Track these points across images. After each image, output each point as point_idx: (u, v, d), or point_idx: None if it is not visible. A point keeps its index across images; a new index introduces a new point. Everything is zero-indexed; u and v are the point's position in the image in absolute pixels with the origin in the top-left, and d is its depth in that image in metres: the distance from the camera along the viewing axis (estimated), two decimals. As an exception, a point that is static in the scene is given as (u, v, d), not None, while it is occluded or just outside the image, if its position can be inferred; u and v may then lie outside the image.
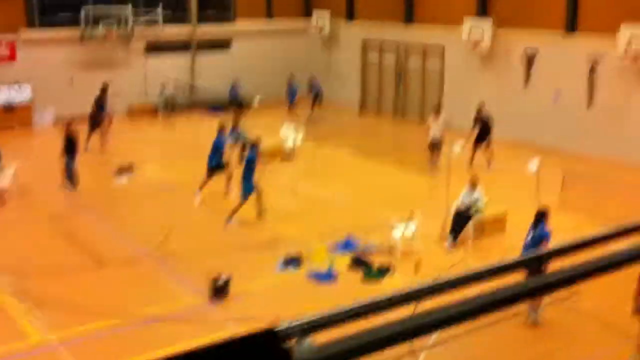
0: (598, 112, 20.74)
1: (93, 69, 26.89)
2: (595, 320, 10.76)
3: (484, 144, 19.44)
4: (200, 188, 16.89)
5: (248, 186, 15.20)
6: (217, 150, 16.93)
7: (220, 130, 17.27)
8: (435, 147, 19.00)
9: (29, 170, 19.14)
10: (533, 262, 3.56)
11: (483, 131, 19.41)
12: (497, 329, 10.12)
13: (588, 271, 3.23)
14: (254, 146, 15.78)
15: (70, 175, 17.32)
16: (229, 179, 17.13)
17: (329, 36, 30.05)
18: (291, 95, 25.72)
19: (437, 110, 19.65)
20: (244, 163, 15.80)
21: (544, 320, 11.00)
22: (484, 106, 19.84)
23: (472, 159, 19.53)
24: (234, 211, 15.21)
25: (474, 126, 19.67)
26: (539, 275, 3.10)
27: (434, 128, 19.12)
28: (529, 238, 10.94)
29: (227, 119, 20.86)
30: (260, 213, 15.55)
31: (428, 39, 26.16)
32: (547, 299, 11.03)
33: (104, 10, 26.43)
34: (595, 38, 20.67)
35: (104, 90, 22.60)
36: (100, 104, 22.05)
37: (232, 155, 19.65)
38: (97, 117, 21.79)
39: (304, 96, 27.01)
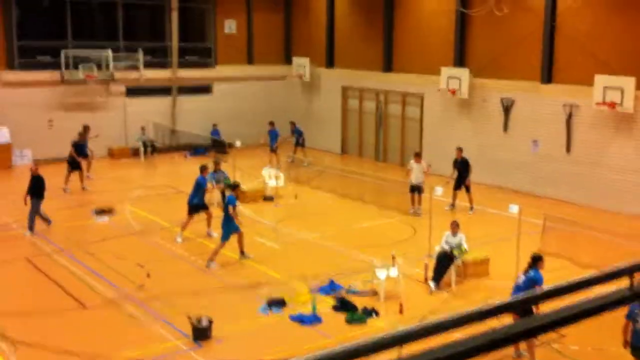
0: (575, 159, 21.13)
1: (72, 111, 26.88)
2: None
3: (463, 188, 19.73)
4: (182, 228, 16.84)
5: (229, 227, 15.17)
6: (198, 189, 16.98)
7: (202, 170, 17.33)
8: (416, 190, 19.23)
9: (6, 211, 18.94)
10: (522, 305, 3.56)
11: (461, 175, 19.76)
12: None
13: (577, 314, 3.27)
14: (234, 188, 15.88)
15: (32, 218, 17.16)
16: (209, 219, 17.11)
17: (310, 82, 30.44)
18: (272, 140, 25.88)
19: (418, 154, 19.97)
20: (224, 205, 15.80)
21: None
22: (462, 151, 20.16)
23: (453, 202, 19.87)
24: (215, 252, 15.13)
25: (453, 170, 20.02)
26: (528, 318, 3.13)
27: (415, 172, 19.36)
28: (521, 281, 10.98)
29: (209, 160, 20.89)
30: (243, 254, 15.49)
31: (407, 87, 26.61)
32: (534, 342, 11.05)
33: (83, 53, 26.54)
34: (571, 88, 21.17)
35: (82, 133, 22.58)
36: (78, 146, 21.98)
37: (213, 196, 19.67)
38: (76, 159, 21.69)
39: (286, 140, 27.22)
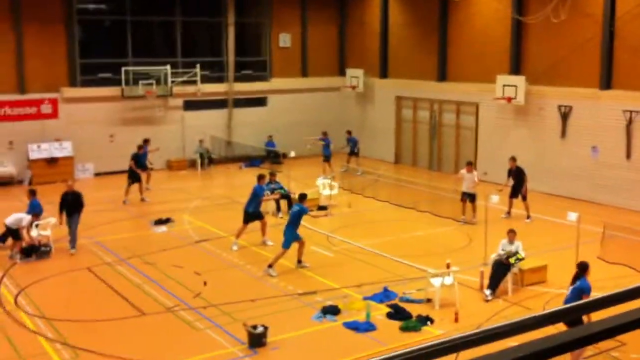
0: (636, 165, 20.61)
1: (132, 125, 27.59)
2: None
3: (519, 196, 19.47)
4: (237, 236, 17.10)
5: (292, 235, 15.34)
6: (255, 197, 17.27)
7: (260, 179, 17.66)
8: (468, 198, 19.05)
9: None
10: (572, 314, 3.52)
11: (517, 183, 19.52)
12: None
13: (631, 322, 3.21)
14: (303, 198, 15.97)
15: (72, 236, 16.91)
16: (264, 227, 17.35)
17: (363, 93, 30.53)
18: (325, 149, 26.07)
19: (470, 163, 19.80)
20: (289, 214, 15.94)
21: (588, 372, 10.75)
22: (515, 160, 19.89)
23: (509, 210, 19.64)
24: (276, 259, 15.31)
25: (507, 179, 19.81)
26: (579, 327, 3.10)
27: (467, 182, 19.19)
28: (569, 292, 10.89)
29: (264, 171, 21.20)
30: (300, 262, 15.62)
31: (462, 96, 26.43)
32: (591, 350, 10.82)
33: (143, 70, 27.26)
34: (631, 94, 20.70)
35: (142, 146, 23.14)
36: (138, 158, 22.53)
37: (269, 205, 19.92)
38: (135, 171, 22.26)
39: (342, 149, 27.42)
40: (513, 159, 19.93)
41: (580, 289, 10.59)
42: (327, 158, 26.02)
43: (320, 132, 27.09)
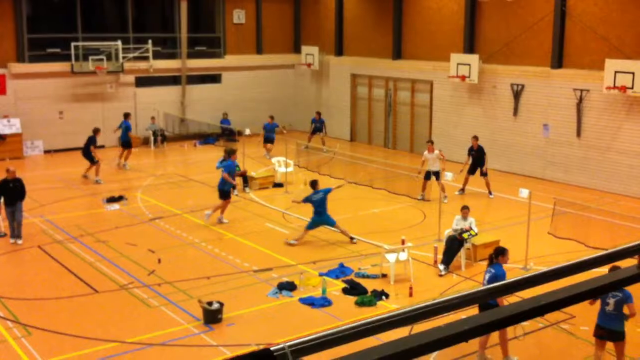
0: (586, 143, 21.05)
1: (83, 102, 27.02)
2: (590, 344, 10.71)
3: (478, 174, 19.63)
4: (216, 210, 17.26)
5: (326, 218, 15.70)
6: (229, 174, 17.27)
7: (231, 154, 17.80)
8: (434, 176, 18.91)
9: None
10: (518, 288, 3.53)
11: (477, 161, 19.70)
12: (492, 352, 10.10)
13: (585, 293, 3.28)
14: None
15: (17, 227, 15.77)
16: (226, 206, 17.28)
17: (319, 71, 30.43)
18: (269, 132, 25.59)
19: (431, 142, 19.82)
20: (315, 201, 15.94)
21: (538, 343, 10.98)
22: (477, 139, 20.01)
23: (463, 187, 19.88)
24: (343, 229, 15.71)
25: (468, 157, 19.98)
26: (530, 299, 3.14)
27: (430, 162, 19.17)
28: (486, 280, 10.07)
29: (222, 148, 21.07)
30: (350, 237, 15.78)
31: (416, 74, 26.55)
32: (541, 322, 11.06)
33: (93, 45, 26.64)
34: (582, 73, 21.07)
35: (97, 130, 22.58)
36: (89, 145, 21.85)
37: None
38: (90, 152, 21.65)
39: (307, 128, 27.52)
40: (475, 137, 20.04)
41: (494, 276, 9.76)
42: (268, 141, 25.54)
43: (270, 114, 26.72)
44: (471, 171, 19.88)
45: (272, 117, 25.92)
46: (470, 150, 19.95)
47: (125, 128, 23.48)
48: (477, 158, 19.79)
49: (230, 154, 17.85)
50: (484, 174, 19.66)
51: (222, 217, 17.30)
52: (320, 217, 15.73)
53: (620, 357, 9.39)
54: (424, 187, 19.41)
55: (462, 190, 19.96)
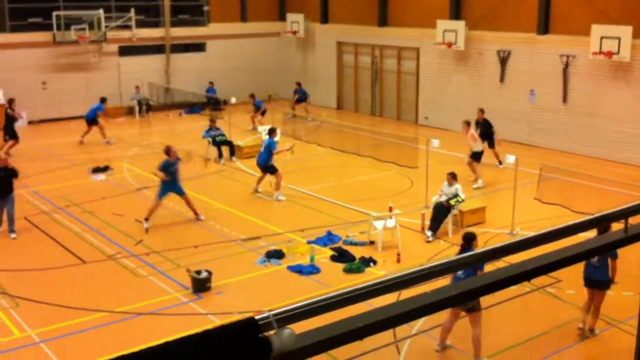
0: (572, 109, 21.09)
1: (66, 72, 26.70)
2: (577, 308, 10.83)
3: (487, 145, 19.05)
4: (258, 182, 17.26)
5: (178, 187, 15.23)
6: (267, 150, 16.96)
7: (271, 132, 17.42)
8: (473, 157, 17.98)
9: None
10: (507, 252, 3.52)
11: (485, 134, 18.98)
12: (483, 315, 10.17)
13: (572, 257, 3.28)
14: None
15: (10, 219, 14.33)
16: (279, 180, 16.98)
17: (304, 38, 30.18)
18: (257, 107, 25.33)
19: (466, 122, 18.24)
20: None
21: (525, 307, 11.10)
22: (483, 112, 19.55)
23: (499, 160, 19.15)
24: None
25: (475, 130, 19.32)
26: (516, 264, 3.13)
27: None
28: (461, 273, 8.32)
29: (207, 117, 20.95)
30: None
31: (403, 42, 26.40)
32: (528, 286, 11.17)
33: (75, 14, 26.25)
34: (568, 39, 21.03)
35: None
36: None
37: (210, 152, 19.78)
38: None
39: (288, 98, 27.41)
40: (481, 110, 19.45)
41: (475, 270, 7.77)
42: (257, 112, 25.29)
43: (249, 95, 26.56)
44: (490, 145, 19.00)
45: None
46: (476, 123, 19.20)
47: (97, 108, 22.78)
48: (485, 131, 19.06)
49: (270, 132, 17.40)
50: (491, 147, 19.13)
51: (278, 194, 16.87)
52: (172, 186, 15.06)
53: (599, 304, 9.94)
54: (474, 170, 17.95)
55: (500, 162, 19.07)
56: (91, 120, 22.71)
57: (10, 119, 21.22)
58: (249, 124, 24.76)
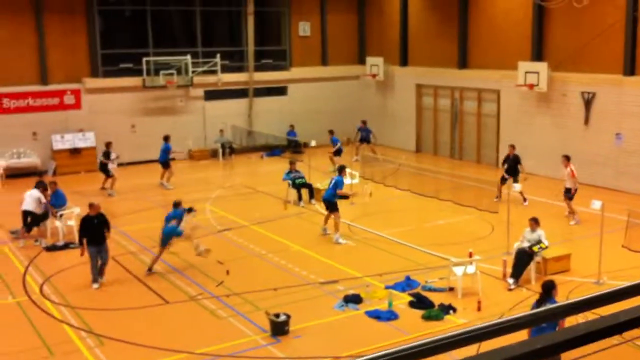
0: (661, 153, 20.37)
1: (154, 115, 27.75)
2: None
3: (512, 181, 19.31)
4: (325, 222, 17.45)
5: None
6: (334, 187, 17.22)
7: (340, 171, 17.80)
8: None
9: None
10: (595, 304, 3.43)
11: (509, 170, 19.82)
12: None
13: None
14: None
15: (101, 270, 14.31)
16: (337, 220, 17.11)
17: (384, 81, 30.42)
18: (333, 144, 25.74)
19: (565, 157, 18.51)
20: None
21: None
22: (514, 148, 20.10)
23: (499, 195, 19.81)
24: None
25: (503, 165, 20.31)
26: (610, 315, 3.03)
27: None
28: None
29: (287, 160, 21.29)
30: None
31: (483, 83, 26.23)
32: (616, 339, 10.73)
33: (164, 60, 27.35)
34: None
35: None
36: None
37: (290, 194, 20.08)
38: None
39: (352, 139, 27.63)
40: (512, 146, 20.16)
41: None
42: (335, 153, 25.63)
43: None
44: (504, 181, 19.73)
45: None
46: (506, 158, 20.07)
47: (165, 149, 23.46)
48: (511, 166, 19.77)
49: (340, 170, 17.76)
50: (515, 182, 19.14)
51: (326, 228, 17.33)
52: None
53: None
54: (570, 207, 18.18)
55: (499, 197, 19.76)
56: (164, 162, 23.34)
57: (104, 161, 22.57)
58: (329, 165, 24.89)
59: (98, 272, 14.16)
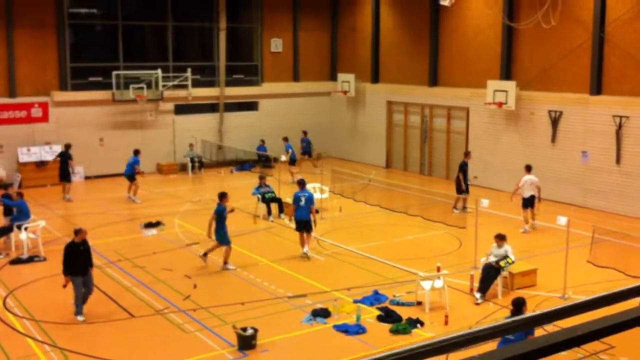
0: (626, 170, 20.71)
1: (123, 129, 27.54)
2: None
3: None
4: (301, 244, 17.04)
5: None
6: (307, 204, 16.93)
7: (301, 184, 17.48)
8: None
9: (56, 225, 19.48)
10: (557, 317, 3.48)
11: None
12: None
13: (617, 324, 3.21)
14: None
15: (84, 300, 13.09)
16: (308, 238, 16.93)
17: (355, 98, 30.59)
18: (286, 151, 26.24)
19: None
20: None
21: (578, 374, 10.75)
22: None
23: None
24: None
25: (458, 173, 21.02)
26: (566, 329, 3.08)
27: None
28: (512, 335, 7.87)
29: (256, 175, 21.24)
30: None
31: (453, 101, 26.52)
32: (581, 352, 10.84)
33: (134, 74, 27.22)
34: (621, 100, 20.81)
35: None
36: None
37: (259, 209, 19.96)
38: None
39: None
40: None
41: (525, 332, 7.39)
42: (291, 162, 26.01)
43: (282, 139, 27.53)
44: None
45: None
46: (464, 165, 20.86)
47: (132, 162, 23.18)
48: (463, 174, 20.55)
49: (301, 184, 17.39)
50: (460, 192, 19.61)
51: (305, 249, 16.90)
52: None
53: None
54: (528, 216, 18.85)
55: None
56: (130, 176, 23.06)
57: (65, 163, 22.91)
58: (289, 177, 24.94)
59: (81, 304, 12.92)
